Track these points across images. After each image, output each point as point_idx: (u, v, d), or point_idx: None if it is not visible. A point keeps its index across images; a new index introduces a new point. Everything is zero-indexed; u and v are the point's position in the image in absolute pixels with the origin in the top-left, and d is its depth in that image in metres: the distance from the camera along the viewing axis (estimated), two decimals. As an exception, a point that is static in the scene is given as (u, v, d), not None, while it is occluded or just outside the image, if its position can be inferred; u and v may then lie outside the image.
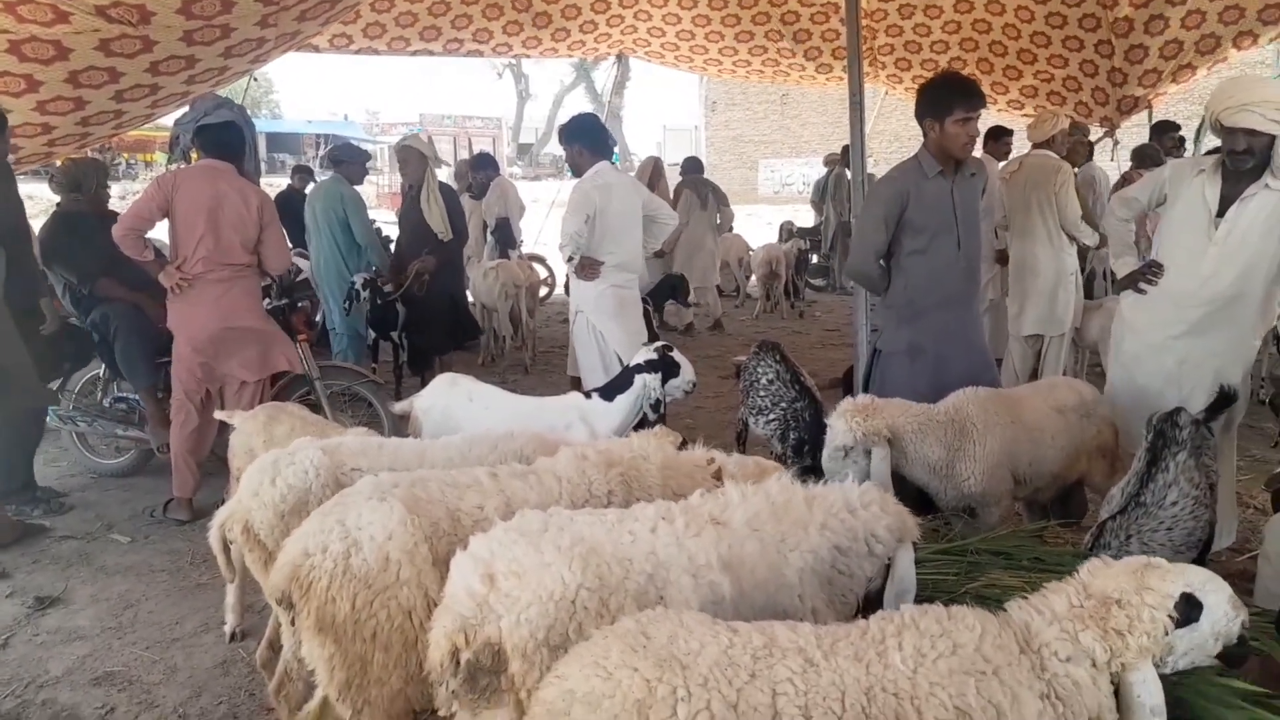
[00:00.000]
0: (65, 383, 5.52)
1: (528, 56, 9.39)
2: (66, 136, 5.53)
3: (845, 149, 12.99)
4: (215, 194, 4.65)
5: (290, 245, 9.27)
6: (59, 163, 5.89)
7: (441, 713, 1.95)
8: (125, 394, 5.49)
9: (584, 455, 2.69)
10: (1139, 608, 1.82)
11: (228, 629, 3.66)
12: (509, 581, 1.89)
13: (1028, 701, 1.68)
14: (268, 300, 5.43)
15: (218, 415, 4.14)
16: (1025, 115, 8.57)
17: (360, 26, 7.65)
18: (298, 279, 6.21)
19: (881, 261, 4.09)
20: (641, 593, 1.98)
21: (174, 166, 5.59)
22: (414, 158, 6.60)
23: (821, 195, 13.52)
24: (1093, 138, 8.22)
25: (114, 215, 5.59)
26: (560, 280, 10.56)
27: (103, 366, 5.45)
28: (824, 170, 14.31)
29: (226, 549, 2.84)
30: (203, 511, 4.82)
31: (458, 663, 1.84)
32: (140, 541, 4.67)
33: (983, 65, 8.27)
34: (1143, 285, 3.95)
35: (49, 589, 4.13)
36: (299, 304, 5.36)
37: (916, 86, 8.98)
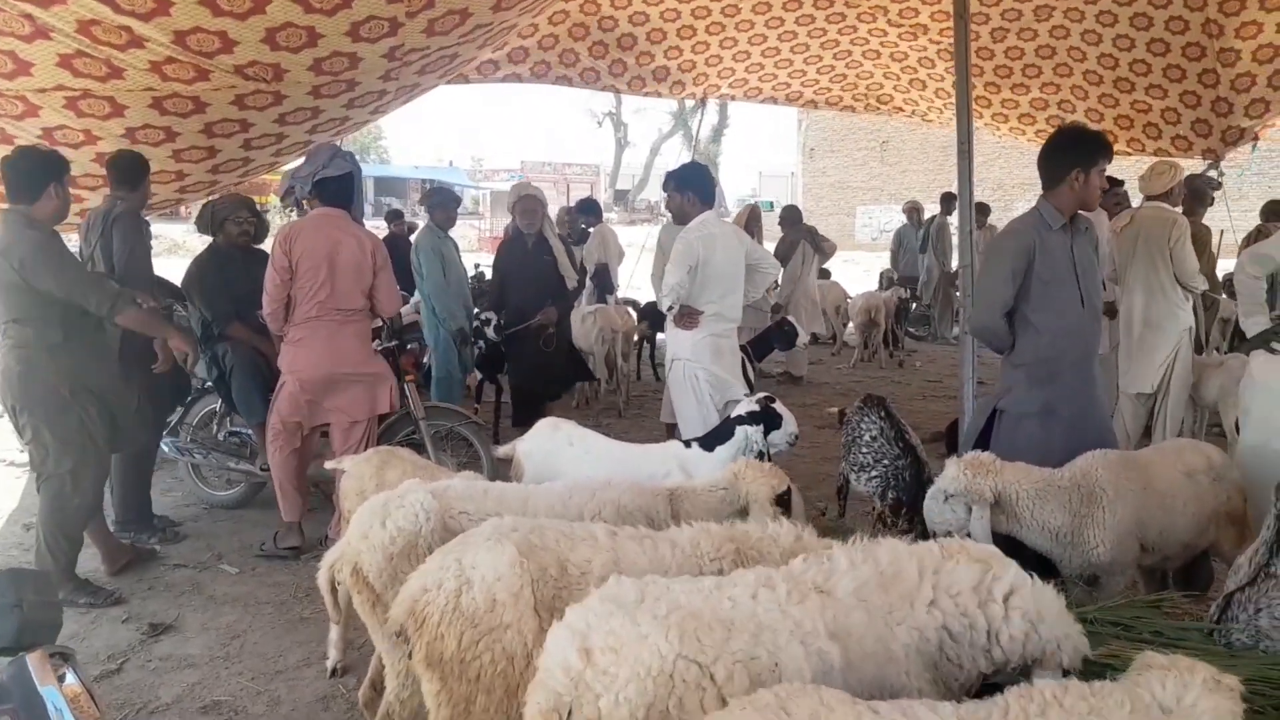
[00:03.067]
0: (184, 416, 5.77)
1: (615, 89, 9.42)
2: (197, 183, 5.84)
3: (944, 196, 12.90)
4: (332, 242, 4.76)
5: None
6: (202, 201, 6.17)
7: None
8: (238, 428, 5.71)
9: (708, 529, 2.61)
10: None
11: (330, 664, 3.72)
12: (606, 657, 1.83)
13: None
14: (378, 341, 5.59)
15: (329, 465, 4.17)
16: (1120, 151, 8.35)
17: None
18: (407, 322, 6.35)
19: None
20: (751, 658, 1.90)
21: (289, 214, 5.75)
22: (540, 206, 6.68)
23: (923, 244, 13.35)
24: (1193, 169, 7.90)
25: (260, 252, 5.77)
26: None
27: (219, 401, 5.68)
28: (903, 220, 14.21)
29: (334, 590, 2.90)
30: (308, 545, 4.94)
31: None
32: (248, 573, 4.81)
33: (1077, 91, 8.10)
34: (1276, 345, 3.77)
35: (162, 616, 4.28)
36: (408, 346, 5.49)
37: (1020, 129, 8.85)
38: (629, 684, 1.79)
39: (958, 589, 2.10)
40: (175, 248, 21.40)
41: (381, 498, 2.89)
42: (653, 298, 7.18)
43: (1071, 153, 3.81)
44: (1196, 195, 6.93)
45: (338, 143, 6.19)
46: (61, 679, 1.73)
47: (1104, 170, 3.74)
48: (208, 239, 5.73)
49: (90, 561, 4.67)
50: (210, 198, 6.13)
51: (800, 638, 1.95)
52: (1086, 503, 3.35)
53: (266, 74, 4.64)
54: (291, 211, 5.40)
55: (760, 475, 3.21)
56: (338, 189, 4.97)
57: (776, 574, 2.10)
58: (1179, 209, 6.07)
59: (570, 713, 1.80)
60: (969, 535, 3.24)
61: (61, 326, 4.25)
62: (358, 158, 6.14)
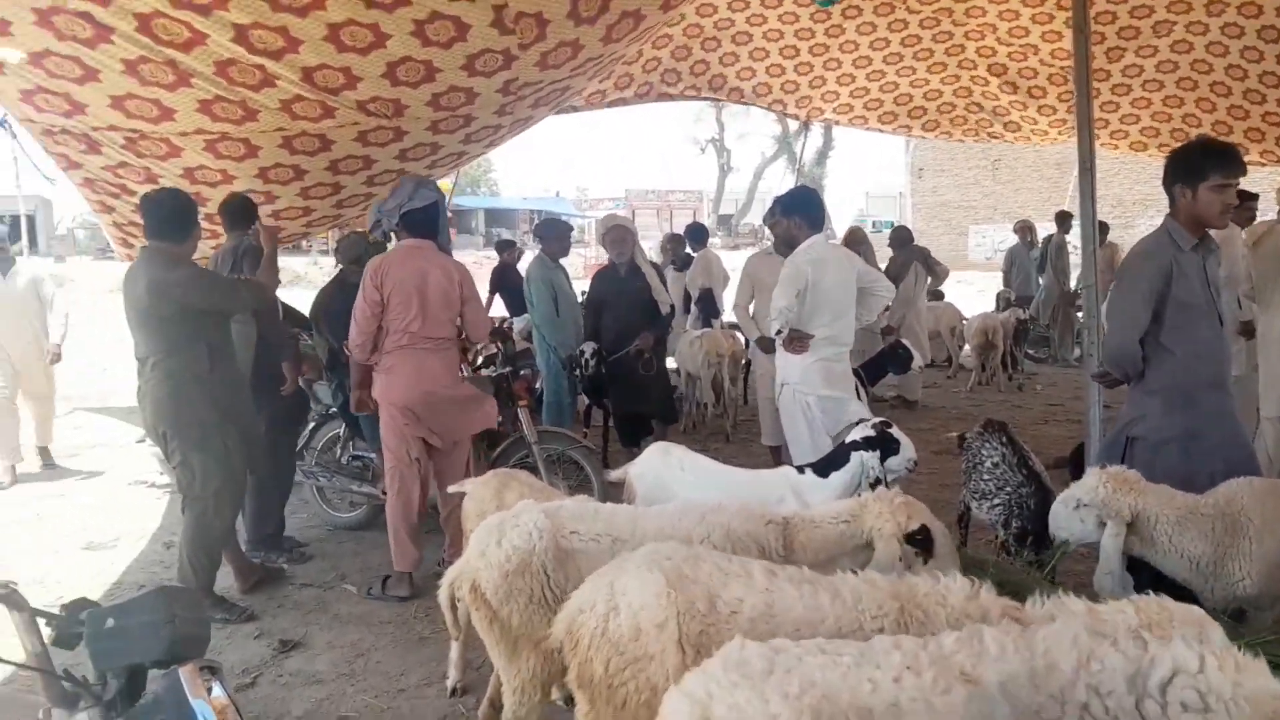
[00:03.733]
0: (310, 440, 6.01)
1: (714, 99, 9.43)
2: (323, 218, 6.12)
3: (1059, 215, 12.48)
4: (421, 273, 4.78)
5: (507, 315, 9.80)
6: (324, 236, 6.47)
7: None
8: (361, 452, 5.91)
9: (873, 580, 2.41)
10: None
11: (450, 683, 3.80)
12: None
13: None
14: (492, 368, 5.71)
15: (452, 489, 4.20)
16: (1253, 163, 7.92)
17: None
18: (520, 349, 6.48)
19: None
20: None
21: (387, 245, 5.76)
22: (630, 236, 6.78)
23: (1040, 263, 12.92)
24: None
25: None
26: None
27: (342, 426, 5.90)
28: (1014, 239, 13.80)
29: (454, 607, 2.97)
30: (425, 568, 5.03)
31: None
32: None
33: (1203, 104, 7.78)
34: None
35: (291, 633, 4.46)
36: (521, 372, 5.59)
37: (1142, 143, 8.55)
38: None
39: (1109, 686, 1.77)
40: (297, 279, 22.39)
41: (497, 518, 2.95)
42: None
43: (1175, 169, 3.68)
44: None
45: (452, 177, 6.37)
46: (209, 691, 1.82)
47: (1222, 185, 3.55)
48: (332, 272, 5.97)
49: (224, 580, 4.89)
50: (339, 230, 6.39)
51: None
52: (1230, 532, 3.16)
53: (388, 110, 4.84)
54: (387, 242, 5.45)
55: (888, 509, 2.97)
56: (424, 220, 4.95)
57: (925, 653, 1.87)
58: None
59: None
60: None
61: (209, 358, 4.52)
62: (470, 190, 6.32)
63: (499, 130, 5.71)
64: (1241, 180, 3.70)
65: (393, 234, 5.13)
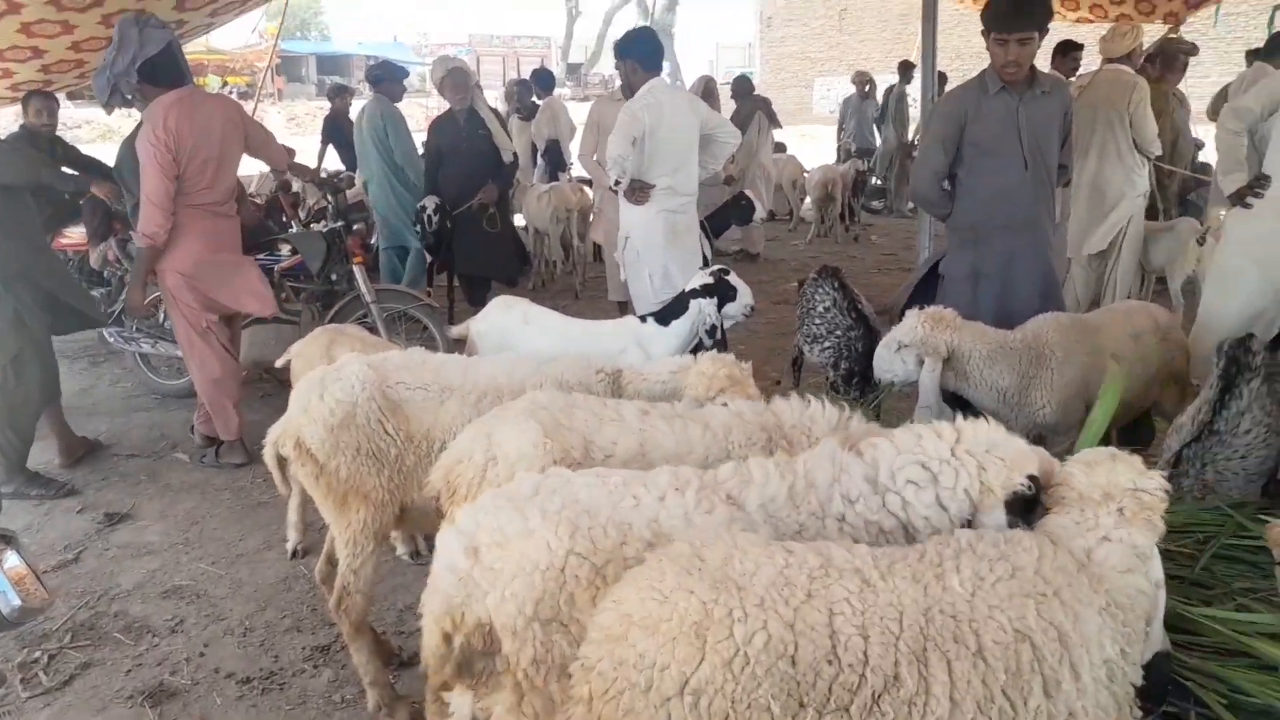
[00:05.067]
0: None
1: None
2: (60, 62, 5.51)
3: (902, 65, 12.67)
4: (209, 122, 4.37)
5: (344, 167, 9.28)
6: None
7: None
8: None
9: (741, 413, 2.47)
10: (1155, 494, 1.79)
11: (289, 546, 3.75)
12: (493, 554, 1.78)
13: (1089, 619, 1.63)
14: (324, 222, 5.41)
15: (279, 363, 3.90)
16: (1083, 19, 8.19)
17: None
18: (352, 201, 6.15)
19: (946, 184, 3.97)
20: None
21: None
22: (469, 79, 6.45)
23: (881, 114, 13.14)
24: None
25: None
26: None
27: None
28: (850, 90, 14.01)
29: (281, 465, 2.88)
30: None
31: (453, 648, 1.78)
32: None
33: None
34: (1250, 200, 3.85)
35: (118, 505, 4.26)
36: (354, 226, 5.33)
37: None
38: (515, 579, 1.74)
39: (856, 491, 1.93)
40: (109, 133, 20.49)
41: (318, 372, 2.86)
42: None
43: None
44: (1169, 61, 6.84)
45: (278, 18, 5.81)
46: (1, 561, 1.70)
47: (1000, 40, 3.65)
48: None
49: (43, 454, 4.61)
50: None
51: None
52: (1035, 365, 3.41)
53: None
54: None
55: (705, 377, 2.88)
56: (168, 65, 4.41)
57: (696, 477, 1.98)
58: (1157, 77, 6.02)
59: (463, 616, 1.75)
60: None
61: None
62: (299, 35, 5.80)
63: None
64: (1039, 34, 3.71)
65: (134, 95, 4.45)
